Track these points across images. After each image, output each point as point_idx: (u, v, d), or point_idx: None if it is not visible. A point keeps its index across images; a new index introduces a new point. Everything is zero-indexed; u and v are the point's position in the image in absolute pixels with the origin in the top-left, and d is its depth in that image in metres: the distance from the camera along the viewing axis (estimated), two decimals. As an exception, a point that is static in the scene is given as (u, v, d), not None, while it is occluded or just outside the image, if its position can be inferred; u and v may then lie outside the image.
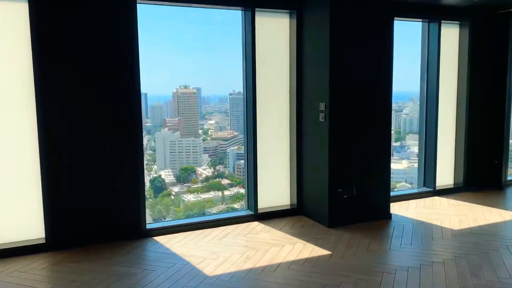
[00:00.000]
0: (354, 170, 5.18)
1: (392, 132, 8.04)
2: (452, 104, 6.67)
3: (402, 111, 7.99)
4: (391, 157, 5.34)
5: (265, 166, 5.41)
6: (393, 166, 7.42)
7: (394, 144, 7.85)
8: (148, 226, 4.82)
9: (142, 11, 4.65)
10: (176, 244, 4.58)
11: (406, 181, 7.45)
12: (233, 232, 4.95)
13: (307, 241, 4.61)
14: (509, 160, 7.04)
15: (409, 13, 6.02)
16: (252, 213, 5.33)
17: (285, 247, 4.47)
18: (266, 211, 5.40)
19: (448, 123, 6.67)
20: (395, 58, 5.31)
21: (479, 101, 6.66)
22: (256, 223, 5.24)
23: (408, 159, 7.67)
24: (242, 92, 5.39)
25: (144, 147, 4.82)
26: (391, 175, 5.49)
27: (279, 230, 4.98)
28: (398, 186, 7.23)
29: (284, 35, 5.40)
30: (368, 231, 4.93)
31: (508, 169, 7.06)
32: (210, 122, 7.31)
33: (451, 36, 6.53)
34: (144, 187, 4.78)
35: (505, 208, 5.83)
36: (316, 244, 4.53)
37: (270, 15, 5.30)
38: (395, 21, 5.31)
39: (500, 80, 6.68)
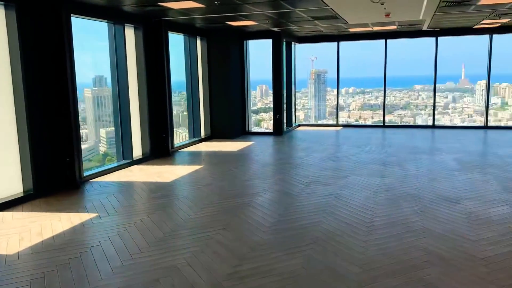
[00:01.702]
0: None
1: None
2: (10, 105, 5.72)
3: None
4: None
5: None
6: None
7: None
8: None
9: None
10: None
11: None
12: None
13: None
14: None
15: None
16: None
17: None
18: None
19: (4, 126, 5.69)
20: None
21: (38, 100, 6.00)
22: None
23: None
24: None
25: None
26: None
27: None
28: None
29: None
30: None
31: (83, 164, 6.85)
32: None
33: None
34: None
35: (76, 210, 5.48)
36: None
37: None
38: None
39: (62, 80, 6.25)
